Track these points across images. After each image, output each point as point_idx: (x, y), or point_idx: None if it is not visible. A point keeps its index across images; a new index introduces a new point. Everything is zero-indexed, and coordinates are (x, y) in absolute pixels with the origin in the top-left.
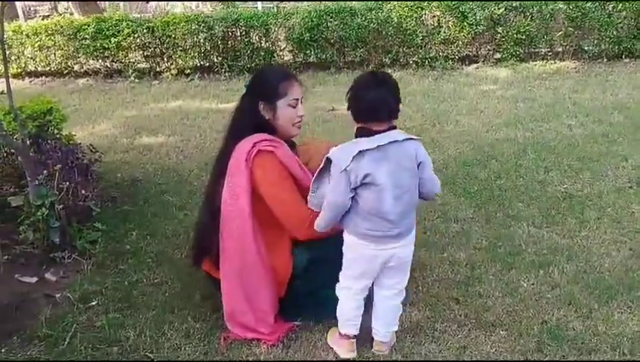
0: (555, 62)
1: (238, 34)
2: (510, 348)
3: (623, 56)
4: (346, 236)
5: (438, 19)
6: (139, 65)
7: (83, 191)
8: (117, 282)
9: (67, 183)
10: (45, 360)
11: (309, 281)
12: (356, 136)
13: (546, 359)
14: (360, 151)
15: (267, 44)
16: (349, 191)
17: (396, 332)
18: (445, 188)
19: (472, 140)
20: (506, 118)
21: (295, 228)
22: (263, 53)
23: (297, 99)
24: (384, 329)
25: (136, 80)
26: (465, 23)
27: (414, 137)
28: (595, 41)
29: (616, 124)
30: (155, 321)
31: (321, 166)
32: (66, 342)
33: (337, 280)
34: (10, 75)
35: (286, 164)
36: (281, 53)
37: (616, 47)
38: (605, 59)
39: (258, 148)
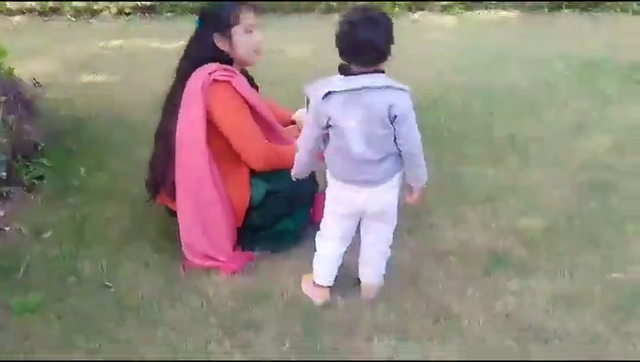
0: (500, 11)
1: None
2: (460, 273)
3: (564, 7)
4: (327, 176)
5: None
6: (75, 4)
7: (26, 126)
8: (68, 216)
9: (12, 117)
10: None
11: (265, 213)
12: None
13: (493, 281)
14: (328, 93)
15: None
16: (317, 132)
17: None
18: None
19: (421, 87)
20: (452, 65)
21: (251, 158)
22: None
23: (252, 24)
24: (372, 270)
25: (73, 18)
26: None
27: (396, 86)
28: None
29: (558, 71)
30: (112, 253)
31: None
32: (20, 273)
33: (292, 214)
34: None
35: (243, 93)
36: None
37: None
38: (547, 10)
39: (213, 78)
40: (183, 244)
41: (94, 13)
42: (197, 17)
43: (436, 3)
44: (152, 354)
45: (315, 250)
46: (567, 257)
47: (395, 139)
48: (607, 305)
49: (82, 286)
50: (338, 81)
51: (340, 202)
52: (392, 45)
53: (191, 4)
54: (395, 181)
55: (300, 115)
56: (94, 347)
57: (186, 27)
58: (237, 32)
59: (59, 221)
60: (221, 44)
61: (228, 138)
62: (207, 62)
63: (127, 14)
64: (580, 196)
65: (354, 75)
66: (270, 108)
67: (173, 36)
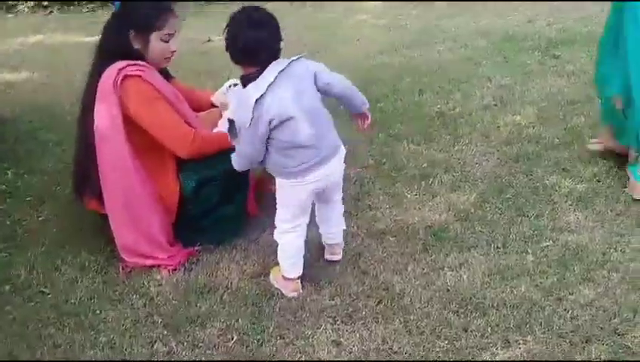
0: None
1: None
2: (400, 251)
3: None
4: (278, 180)
5: None
6: None
7: None
8: None
9: None
10: None
11: (201, 203)
12: (244, 85)
13: (432, 257)
14: (256, 100)
15: None
16: (260, 142)
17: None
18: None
19: (351, 68)
20: (380, 46)
21: (176, 146)
22: None
23: (172, 34)
24: (338, 229)
25: None
26: None
27: (294, 58)
28: None
29: (480, 48)
30: (47, 257)
31: (227, 128)
32: None
33: (232, 197)
34: None
35: (156, 85)
36: None
37: None
38: None
39: (124, 74)
40: (118, 246)
41: (10, 8)
42: (117, 6)
43: None
44: (96, 357)
45: (277, 244)
46: (501, 229)
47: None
48: (540, 273)
49: (18, 294)
50: (254, 88)
51: (298, 196)
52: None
53: None
54: (342, 149)
55: (217, 97)
56: (37, 355)
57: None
58: (155, 38)
59: None
60: (136, 42)
61: (149, 131)
62: (119, 58)
63: (46, 7)
64: (508, 168)
65: (256, 77)
66: (187, 93)
67: (95, 30)
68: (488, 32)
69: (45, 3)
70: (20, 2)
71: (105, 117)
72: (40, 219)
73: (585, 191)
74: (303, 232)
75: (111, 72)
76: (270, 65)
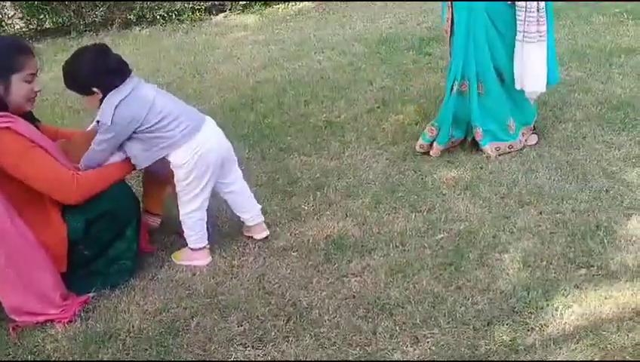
0: (297, 4)
1: None
2: (303, 265)
3: None
4: (173, 159)
5: None
6: None
7: None
8: None
9: None
10: None
11: (93, 243)
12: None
13: (335, 266)
14: (120, 100)
15: None
16: (116, 144)
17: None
18: None
19: (234, 86)
20: (261, 62)
21: (64, 196)
22: None
23: (34, 74)
24: (256, 210)
25: None
26: None
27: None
28: None
29: (358, 53)
30: None
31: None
32: None
33: (123, 233)
34: None
35: (27, 135)
36: (10, 22)
37: None
38: None
39: None
40: (6, 309)
41: None
42: None
43: (235, 3)
44: None
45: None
46: (397, 228)
47: None
48: (439, 266)
49: None
50: (117, 93)
51: (202, 161)
52: None
53: None
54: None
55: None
56: None
57: None
58: (17, 80)
59: None
60: None
61: (29, 184)
62: None
63: None
64: (397, 167)
65: (117, 86)
66: (54, 135)
67: None
68: (364, 36)
69: None
70: None
71: None
72: None
73: (470, 180)
74: (206, 205)
75: None
76: (129, 79)
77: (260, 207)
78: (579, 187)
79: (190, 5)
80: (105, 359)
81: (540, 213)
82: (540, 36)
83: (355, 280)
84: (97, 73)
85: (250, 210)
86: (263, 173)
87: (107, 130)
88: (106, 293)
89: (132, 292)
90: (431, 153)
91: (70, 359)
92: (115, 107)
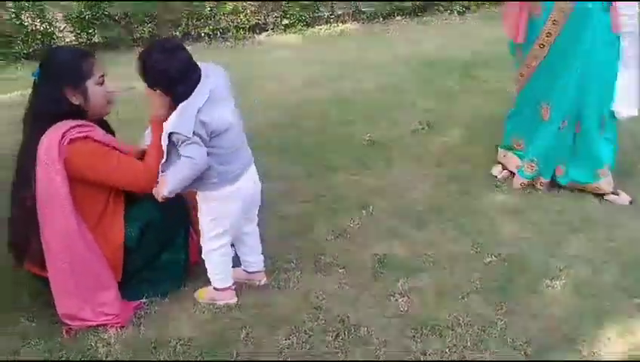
0: (339, 25)
1: (8, 17)
2: (350, 282)
3: (396, 14)
4: (208, 197)
5: None
6: None
7: None
8: None
9: None
10: None
11: (146, 251)
12: (176, 104)
13: (382, 285)
14: (198, 110)
15: (43, 25)
16: (204, 152)
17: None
18: (263, 151)
19: (278, 104)
20: (304, 81)
21: (147, 186)
22: (39, 37)
23: (103, 76)
24: (260, 257)
25: None
26: None
27: (212, 65)
28: (371, 2)
29: (401, 75)
30: None
31: (165, 145)
32: None
33: (173, 241)
34: None
35: (104, 141)
36: (61, 35)
37: (389, 6)
38: (381, 18)
39: (69, 138)
40: (59, 314)
41: None
42: (37, 70)
43: (278, 23)
44: None
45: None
46: (444, 250)
47: None
48: (488, 289)
49: None
50: (192, 100)
51: (228, 212)
52: None
53: (25, 50)
54: None
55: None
56: None
57: (22, 75)
58: (91, 85)
59: None
60: (74, 98)
61: (114, 185)
62: (59, 119)
63: None
64: (444, 189)
65: (189, 94)
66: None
67: (7, 87)
68: (407, 58)
69: None
70: None
71: (49, 184)
72: None
73: (519, 205)
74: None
75: (53, 136)
76: (202, 81)
77: (262, 252)
78: (631, 215)
79: (234, 24)
80: None
81: (592, 240)
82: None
83: (403, 300)
84: (169, 72)
85: (256, 254)
86: (308, 190)
87: (188, 140)
88: (157, 301)
89: (183, 300)
90: (538, 186)
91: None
92: (195, 116)
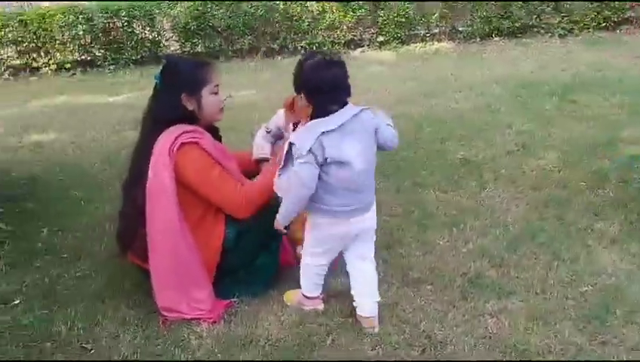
0: (434, 43)
1: (120, 25)
2: (438, 299)
3: (493, 35)
4: (313, 217)
5: (323, 5)
6: (13, 62)
7: None
8: (36, 279)
9: None
10: None
11: (241, 253)
12: (312, 118)
13: (471, 304)
14: (323, 132)
15: (152, 34)
16: (316, 171)
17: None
18: None
19: None
20: (397, 97)
21: (235, 210)
22: (148, 44)
23: (218, 85)
24: (370, 300)
25: (11, 77)
26: (348, 8)
27: (364, 107)
28: (468, 22)
29: (497, 95)
30: (87, 313)
31: (285, 150)
32: None
33: (269, 245)
34: None
35: (211, 152)
36: (167, 44)
37: (487, 26)
38: (478, 38)
39: (181, 142)
40: (158, 305)
41: (34, 70)
42: (159, 74)
43: (373, 39)
44: None
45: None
46: (537, 275)
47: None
48: (582, 318)
49: (60, 351)
50: (324, 122)
51: (333, 235)
52: None
53: (134, 56)
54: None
55: (259, 152)
56: None
57: (131, 79)
58: (206, 93)
59: (27, 286)
60: (189, 104)
61: (206, 197)
62: (174, 123)
63: (68, 70)
64: (538, 213)
65: (332, 112)
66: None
67: (118, 89)
68: (503, 79)
69: (68, 65)
70: (43, 64)
71: (159, 183)
72: (77, 275)
73: (618, 234)
74: (328, 266)
75: (167, 139)
76: (346, 108)
77: (379, 299)
78: None
79: (330, 39)
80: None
81: None
82: None
83: (492, 321)
84: (317, 79)
85: (365, 297)
86: (398, 205)
87: (302, 157)
88: (247, 300)
89: (271, 302)
90: None
91: (213, 358)
92: (318, 136)
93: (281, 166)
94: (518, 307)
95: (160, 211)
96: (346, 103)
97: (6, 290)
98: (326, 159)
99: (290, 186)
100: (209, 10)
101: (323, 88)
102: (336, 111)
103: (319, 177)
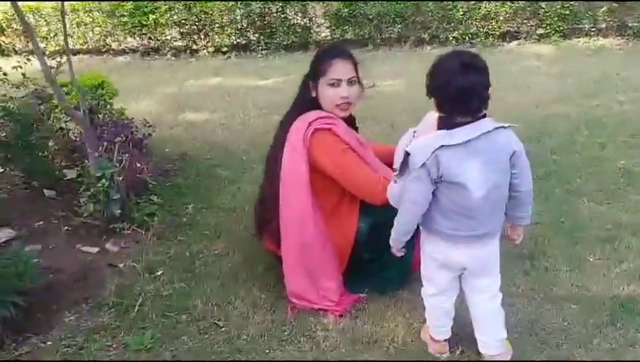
0: (599, 39)
1: (274, 10)
2: (583, 321)
3: None
4: (425, 236)
5: None
6: (175, 43)
7: (138, 165)
8: (178, 253)
9: (126, 155)
10: (116, 326)
11: (373, 247)
12: (438, 127)
13: (620, 332)
14: (442, 146)
15: (304, 20)
16: (429, 188)
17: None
18: None
19: (521, 117)
20: (554, 95)
21: (370, 196)
22: (299, 30)
23: (339, 80)
24: (491, 339)
25: (173, 58)
26: None
27: (506, 125)
28: None
29: None
30: (221, 291)
31: (401, 159)
32: (135, 310)
33: None
34: (48, 52)
35: (344, 138)
36: (317, 30)
37: None
38: None
39: (314, 127)
40: (287, 290)
41: (193, 52)
42: None
43: (531, 32)
44: None
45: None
46: None
47: (510, 185)
48: None
49: (194, 324)
50: (446, 136)
51: (437, 258)
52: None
53: (285, 41)
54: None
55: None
56: None
57: (280, 64)
58: (322, 84)
59: (171, 258)
60: (313, 90)
61: (341, 183)
62: (301, 105)
63: (224, 52)
64: None
65: (460, 124)
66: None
67: (268, 73)
68: None
69: (224, 49)
70: (202, 47)
71: (293, 170)
72: (216, 252)
73: None
74: (449, 297)
75: (300, 125)
76: (479, 122)
77: (504, 338)
78: None
79: (485, 30)
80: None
81: None
82: None
83: None
84: (447, 84)
85: (485, 335)
86: (545, 213)
87: (414, 171)
88: (374, 298)
89: (399, 303)
90: None
91: (337, 351)
92: (435, 150)
93: (397, 172)
94: None
95: (293, 197)
96: (481, 117)
97: (152, 260)
98: (441, 177)
99: (402, 199)
100: None
101: (452, 95)
102: (466, 124)
103: (434, 194)
